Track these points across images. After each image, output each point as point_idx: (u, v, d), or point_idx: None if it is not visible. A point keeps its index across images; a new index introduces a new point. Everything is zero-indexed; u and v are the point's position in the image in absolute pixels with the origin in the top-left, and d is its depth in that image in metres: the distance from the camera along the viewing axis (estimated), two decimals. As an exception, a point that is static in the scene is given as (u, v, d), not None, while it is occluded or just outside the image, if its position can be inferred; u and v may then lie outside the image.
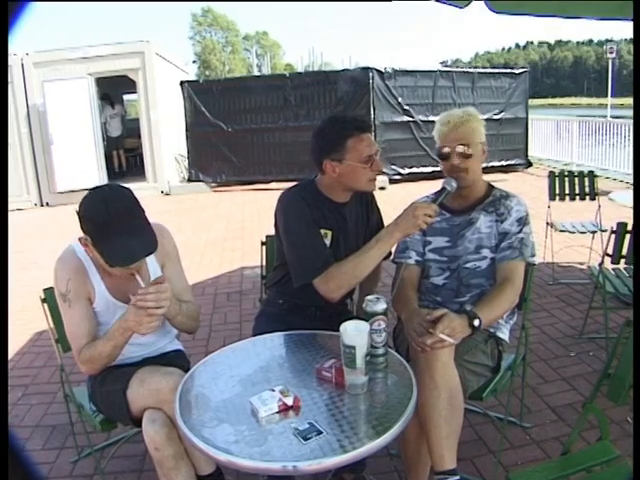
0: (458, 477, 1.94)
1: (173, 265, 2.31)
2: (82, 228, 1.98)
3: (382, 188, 10.46)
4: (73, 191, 9.91)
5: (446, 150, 2.33)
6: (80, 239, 2.03)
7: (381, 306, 1.89)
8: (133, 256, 1.97)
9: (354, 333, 1.71)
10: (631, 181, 9.91)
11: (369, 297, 1.93)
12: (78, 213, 1.97)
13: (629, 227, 3.49)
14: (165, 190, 11.78)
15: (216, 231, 8.10)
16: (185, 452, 2.02)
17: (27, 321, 4.57)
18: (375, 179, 2.32)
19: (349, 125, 2.26)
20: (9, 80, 10.30)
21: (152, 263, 2.23)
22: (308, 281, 2.23)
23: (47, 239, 7.77)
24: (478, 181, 2.40)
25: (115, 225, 1.92)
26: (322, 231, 2.31)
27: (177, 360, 2.30)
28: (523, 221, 2.33)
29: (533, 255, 2.35)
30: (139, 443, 2.78)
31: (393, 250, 2.46)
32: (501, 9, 3.63)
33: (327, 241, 2.31)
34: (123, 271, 2.02)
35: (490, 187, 2.44)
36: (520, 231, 2.31)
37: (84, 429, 2.47)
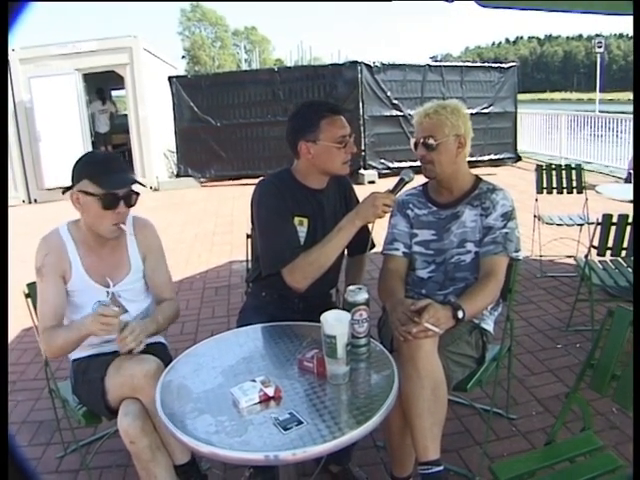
0: (442, 467, 1.94)
1: (155, 259, 2.36)
2: (77, 178, 2.13)
3: (372, 182, 10.49)
4: (61, 187, 9.85)
5: (414, 140, 2.39)
6: (72, 195, 2.15)
7: (362, 296, 1.89)
8: (125, 180, 2.15)
9: (334, 323, 1.71)
10: (618, 174, 9.97)
11: (351, 287, 1.93)
12: (74, 170, 2.15)
13: (614, 219, 3.50)
14: (154, 186, 11.73)
15: (205, 226, 8.09)
16: (161, 442, 2.03)
17: (14, 318, 4.53)
18: (349, 162, 2.36)
19: (323, 107, 2.34)
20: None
21: (134, 252, 2.30)
22: (275, 271, 2.27)
23: (34, 236, 7.70)
24: (458, 174, 2.39)
25: (110, 162, 2.18)
26: (298, 218, 2.32)
27: (159, 354, 2.29)
28: (508, 216, 2.32)
29: (517, 250, 2.35)
30: (124, 438, 2.78)
31: (382, 242, 2.50)
32: (487, 2, 3.63)
33: (304, 228, 2.33)
34: (112, 219, 2.13)
35: (477, 180, 2.44)
36: (504, 226, 2.31)
37: (70, 425, 2.46)
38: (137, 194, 2.19)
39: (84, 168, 2.13)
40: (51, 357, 2.25)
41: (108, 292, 2.23)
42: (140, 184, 2.22)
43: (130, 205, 2.17)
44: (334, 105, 2.40)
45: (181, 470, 2.14)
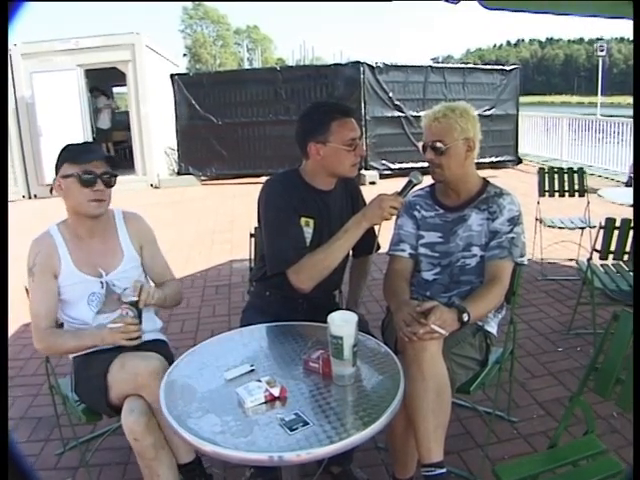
0: (445, 470, 1.93)
1: (151, 247, 2.45)
2: (58, 167, 2.24)
3: (373, 183, 10.48)
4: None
5: (422, 144, 2.38)
6: (55, 184, 2.24)
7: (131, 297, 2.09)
8: (99, 155, 2.29)
9: (341, 323, 1.70)
10: (619, 178, 9.97)
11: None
12: (55, 164, 2.27)
13: (617, 223, 3.50)
14: (154, 183, 11.72)
15: (205, 224, 8.08)
16: (165, 441, 2.02)
17: (14, 313, 4.51)
18: (357, 164, 2.35)
19: (333, 109, 2.34)
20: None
21: (126, 240, 2.36)
22: (281, 271, 2.25)
23: (34, 232, 7.70)
24: (467, 177, 2.38)
25: (86, 144, 2.57)
26: (304, 219, 2.32)
27: (161, 351, 2.28)
28: (515, 221, 2.31)
29: (523, 255, 2.34)
30: (125, 435, 2.77)
31: (387, 243, 2.49)
32: (493, 5, 3.62)
33: (310, 229, 2.32)
34: (91, 195, 2.19)
35: (485, 183, 2.42)
36: (511, 231, 2.29)
37: (69, 421, 2.44)
38: (115, 175, 2.27)
39: (62, 155, 2.24)
40: (44, 354, 2.32)
41: (102, 283, 2.26)
42: (113, 160, 2.33)
43: (109, 185, 2.23)
44: (345, 107, 2.39)
45: (186, 469, 2.14)
